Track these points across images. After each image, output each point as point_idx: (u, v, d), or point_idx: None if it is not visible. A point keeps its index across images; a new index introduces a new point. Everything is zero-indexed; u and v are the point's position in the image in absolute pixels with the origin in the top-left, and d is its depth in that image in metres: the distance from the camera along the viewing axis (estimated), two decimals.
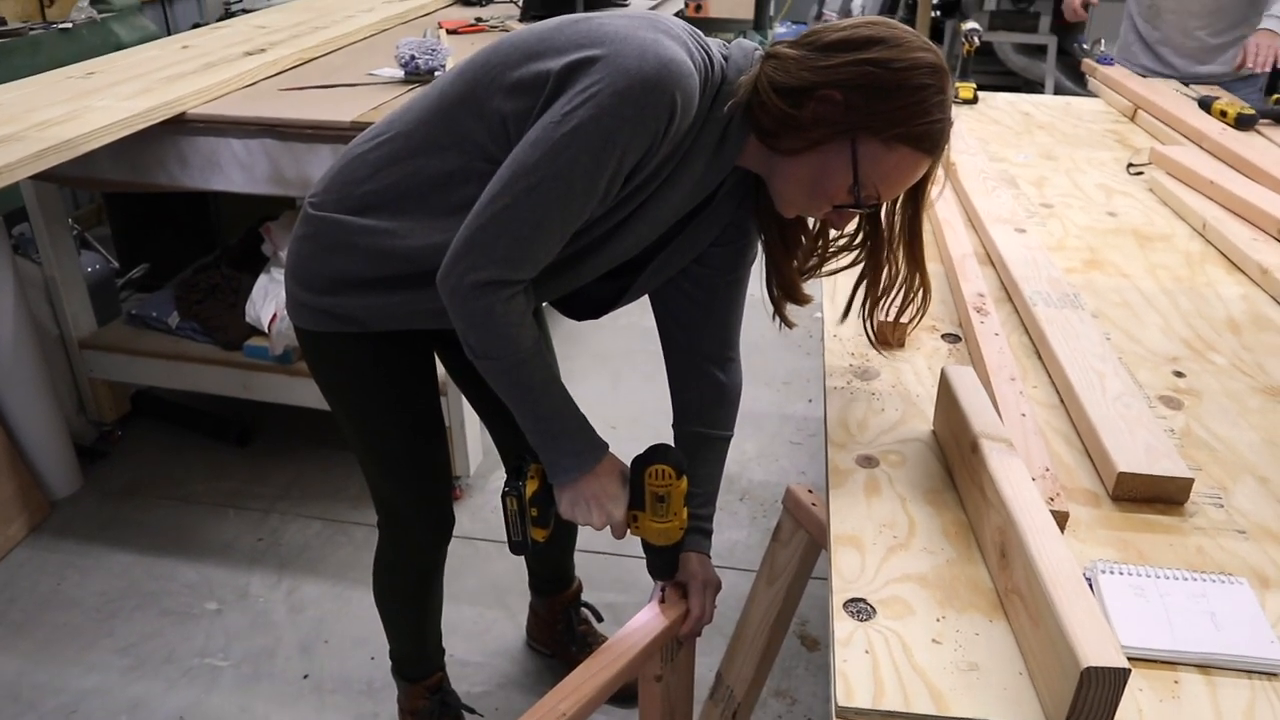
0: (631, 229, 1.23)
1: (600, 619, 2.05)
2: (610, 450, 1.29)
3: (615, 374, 3.16)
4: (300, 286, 1.38)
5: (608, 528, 1.31)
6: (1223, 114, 2.52)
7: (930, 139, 1.13)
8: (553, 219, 1.12)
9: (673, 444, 1.45)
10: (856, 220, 1.28)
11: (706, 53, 1.16)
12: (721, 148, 1.19)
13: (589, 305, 1.42)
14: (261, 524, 2.50)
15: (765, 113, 1.14)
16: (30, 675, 2.05)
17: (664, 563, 1.37)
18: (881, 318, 1.37)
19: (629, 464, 1.30)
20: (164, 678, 2.05)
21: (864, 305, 1.34)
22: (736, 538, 2.42)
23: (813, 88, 1.11)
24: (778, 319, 1.39)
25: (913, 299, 1.32)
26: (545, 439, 1.26)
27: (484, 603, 2.24)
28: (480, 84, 1.19)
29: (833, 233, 1.32)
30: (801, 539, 1.55)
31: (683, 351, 1.45)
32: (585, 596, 2.05)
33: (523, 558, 1.99)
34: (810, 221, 1.33)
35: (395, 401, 1.47)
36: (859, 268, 1.33)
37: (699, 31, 1.21)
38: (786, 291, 1.36)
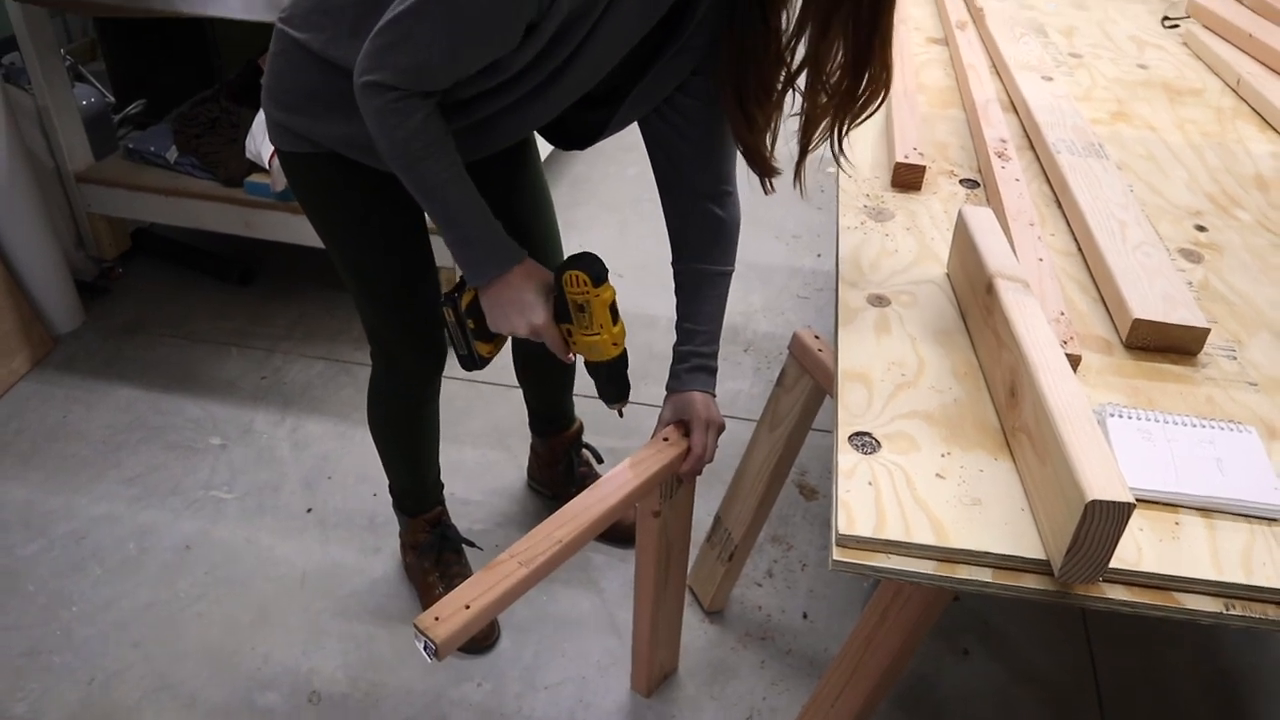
0: (584, 60, 1.18)
1: (600, 460, 2.06)
2: (529, 259, 1.29)
3: (623, 222, 3.11)
4: (275, 106, 1.36)
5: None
6: None
7: None
8: (440, 35, 1.09)
9: (674, 282, 1.43)
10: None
11: None
12: None
13: (573, 135, 1.38)
14: (265, 363, 2.50)
15: None
16: (40, 503, 2.08)
17: (603, 382, 1.36)
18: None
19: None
20: (170, 508, 2.08)
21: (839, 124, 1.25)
22: (739, 387, 2.42)
23: None
24: (765, 181, 1.34)
25: (876, 96, 1.20)
26: (458, 246, 1.26)
27: (486, 444, 2.25)
28: None
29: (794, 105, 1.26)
30: (805, 385, 1.54)
31: (677, 187, 1.41)
32: (587, 439, 2.06)
33: (524, 400, 2.00)
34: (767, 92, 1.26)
35: (374, 229, 1.45)
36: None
37: None
38: (754, 163, 1.31)
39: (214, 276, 2.80)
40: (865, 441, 0.97)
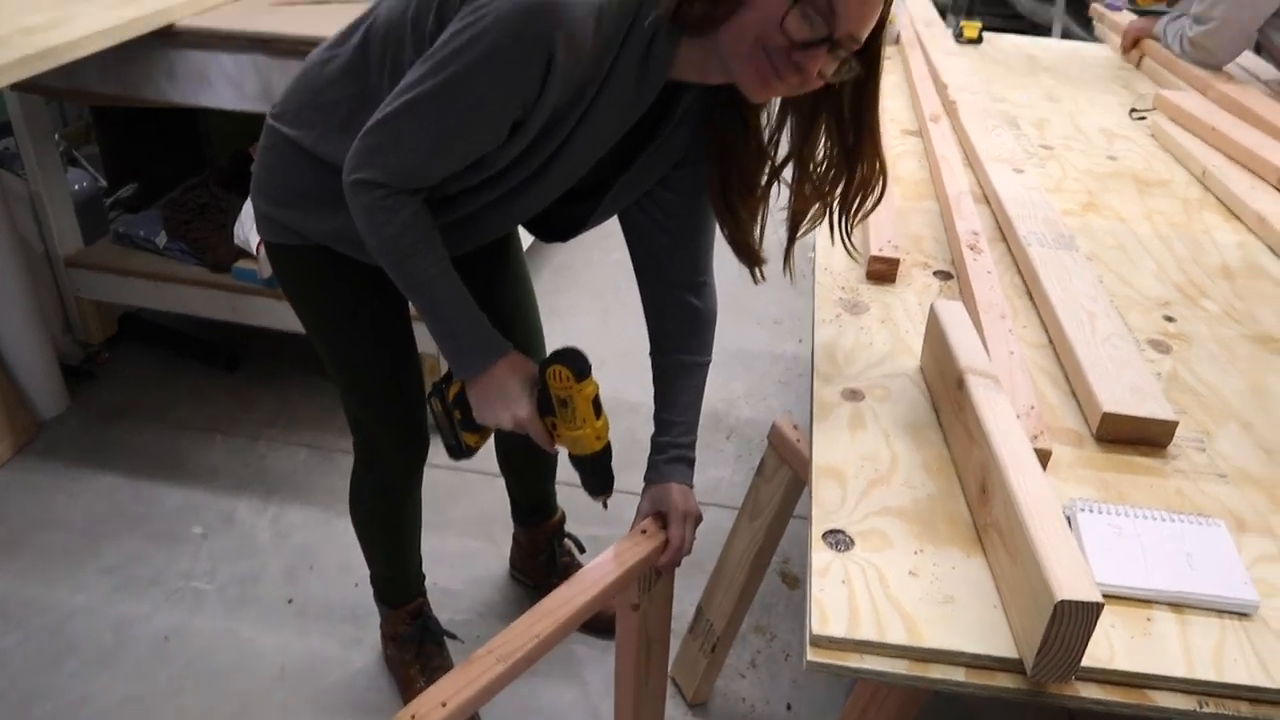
0: (563, 160, 1.22)
1: (583, 550, 2.06)
2: (514, 352, 1.30)
3: (606, 309, 3.14)
4: (264, 199, 1.39)
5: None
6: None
7: None
8: (430, 134, 1.12)
9: (651, 373, 1.45)
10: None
11: None
12: (647, 65, 1.14)
13: (556, 227, 1.42)
14: (249, 449, 2.50)
15: (692, 8, 1.07)
16: (18, 593, 2.06)
17: (588, 475, 1.37)
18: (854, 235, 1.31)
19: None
20: (150, 599, 2.06)
21: (839, 218, 1.28)
22: (721, 475, 2.42)
23: None
24: (755, 271, 1.37)
25: (874, 187, 1.24)
26: (444, 339, 1.28)
27: (469, 533, 2.24)
28: (420, 1, 1.17)
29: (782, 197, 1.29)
30: (785, 475, 1.55)
31: (655, 278, 1.44)
32: (569, 529, 2.05)
33: (505, 488, 2.00)
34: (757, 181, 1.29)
35: (363, 321, 1.47)
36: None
37: None
38: (741, 254, 1.34)
39: (200, 361, 2.81)
40: (839, 539, 0.98)
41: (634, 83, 1.16)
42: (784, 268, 1.32)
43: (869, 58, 1.11)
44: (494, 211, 1.29)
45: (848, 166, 1.21)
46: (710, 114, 1.25)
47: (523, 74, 1.08)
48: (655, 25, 1.10)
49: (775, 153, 1.26)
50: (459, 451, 1.41)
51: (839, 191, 1.23)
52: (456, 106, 1.10)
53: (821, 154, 1.21)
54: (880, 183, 1.24)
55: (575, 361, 1.25)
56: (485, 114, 1.12)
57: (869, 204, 1.25)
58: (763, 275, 1.36)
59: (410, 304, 1.34)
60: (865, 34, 1.07)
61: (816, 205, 1.25)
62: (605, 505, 1.40)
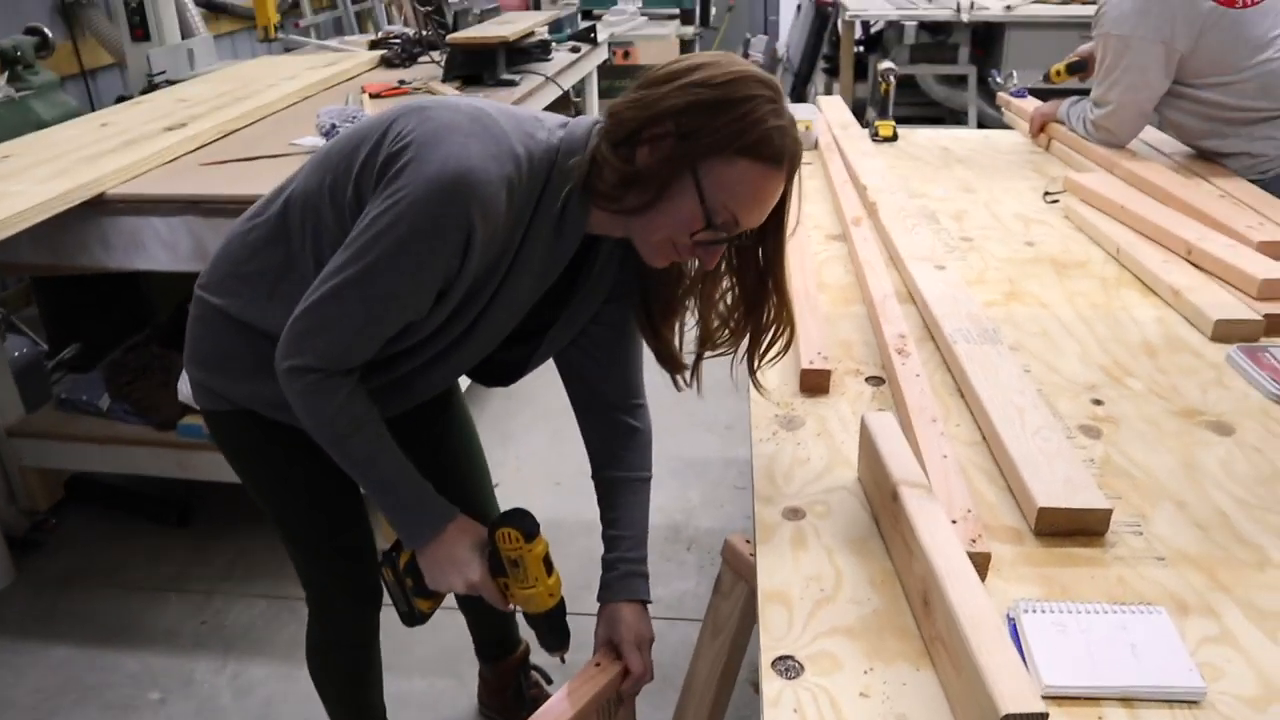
0: (489, 321, 1.26)
1: (549, 681, 2.03)
2: (461, 516, 1.32)
3: (557, 431, 3.13)
4: (194, 365, 1.40)
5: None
6: None
7: (769, 147, 1.09)
8: (357, 317, 1.16)
9: (595, 494, 1.46)
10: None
11: (534, 143, 1.17)
12: (561, 229, 1.20)
13: (495, 375, 1.45)
14: (204, 606, 2.45)
15: (603, 179, 1.13)
16: None
17: (543, 632, 1.37)
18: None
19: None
20: None
21: (746, 354, 1.33)
22: (685, 588, 2.41)
23: (643, 126, 1.10)
24: (677, 379, 1.40)
25: (780, 335, 1.30)
26: (390, 511, 1.29)
27: (435, 673, 2.20)
28: (336, 172, 1.21)
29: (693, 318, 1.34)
30: (742, 590, 1.55)
31: (592, 406, 1.48)
32: (534, 660, 2.02)
33: (466, 625, 1.97)
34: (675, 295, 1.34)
35: (296, 485, 1.48)
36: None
37: (539, 115, 1.24)
38: (663, 361, 1.38)
39: (151, 519, 2.76)
40: (789, 666, 0.99)
41: (550, 245, 1.21)
42: (690, 379, 1.36)
43: (775, 221, 1.19)
44: (424, 374, 1.32)
45: (749, 307, 1.26)
46: (631, 253, 1.29)
47: (443, 252, 1.12)
48: (568, 196, 1.16)
49: (690, 269, 1.31)
50: (413, 619, 1.40)
51: (745, 328, 1.28)
52: (380, 290, 1.14)
53: (727, 284, 1.27)
54: (786, 332, 1.29)
55: (523, 522, 1.27)
56: (409, 294, 1.16)
57: (775, 349, 1.30)
58: (686, 381, 1.39)
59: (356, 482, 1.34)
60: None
61: (726, 335, 1.30)
62: (563, 660, 1.39)
